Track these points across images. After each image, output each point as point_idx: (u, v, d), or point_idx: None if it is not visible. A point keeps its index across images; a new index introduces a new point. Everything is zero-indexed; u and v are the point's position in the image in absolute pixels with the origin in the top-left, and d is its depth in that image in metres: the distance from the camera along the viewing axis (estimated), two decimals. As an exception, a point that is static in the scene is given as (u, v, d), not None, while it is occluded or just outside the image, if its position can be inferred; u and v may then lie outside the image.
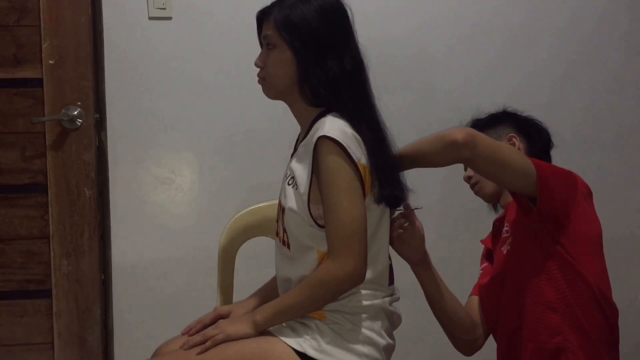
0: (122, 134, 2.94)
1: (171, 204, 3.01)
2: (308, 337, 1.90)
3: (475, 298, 2.29)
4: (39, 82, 2.85)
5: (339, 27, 1.95)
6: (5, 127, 2.86)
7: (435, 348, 2.97)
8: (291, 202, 1.93)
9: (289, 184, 1.95)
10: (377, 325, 1.94)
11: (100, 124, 2.95)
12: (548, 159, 2.30)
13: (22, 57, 2.85)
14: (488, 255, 2.34)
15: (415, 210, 2.08)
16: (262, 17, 2.00)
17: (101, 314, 2.94)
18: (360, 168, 1.86)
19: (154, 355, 2.10)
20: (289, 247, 1.97)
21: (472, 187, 2.31)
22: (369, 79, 1.98)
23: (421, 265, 2.14)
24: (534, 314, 2.07)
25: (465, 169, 2.34)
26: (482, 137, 1.95)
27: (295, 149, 2.04)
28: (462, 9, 3.14)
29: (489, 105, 2.40)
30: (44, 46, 2.84)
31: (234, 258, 2.48)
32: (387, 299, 1.98)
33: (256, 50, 2.03)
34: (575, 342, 2.03)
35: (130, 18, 2.93)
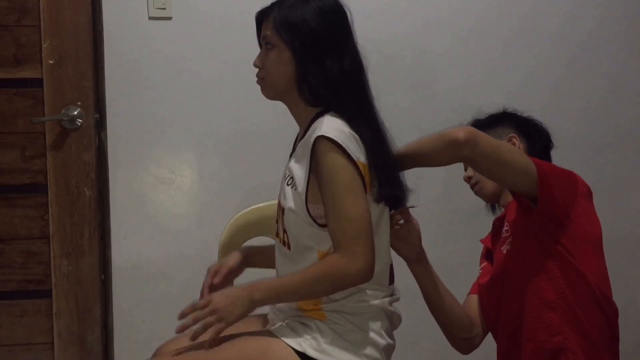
0: (122, 134, 2.94)
1: (171, 204, 3.01)
2: (308, 337, 1.90)
3: (474, 297, 2.29)
4: (39, 82, 2.85)
5: (338, 28, 1.95)
6: (5, 127, 2.86)
7: (435, 348, 2.97)
8: (290, 202, 1.93)
9: (287, 184, 1.95)
10: (377, 325, 1.94)
11: (100, 124, 2.95)
12: (548, 159, 2.30)
13: (22, 57, 2.85)
14: (487, 255, 2.34)
15: (409, 209, 2.08)
16: (262, 17, 2.00)
17: (101, 314, 2.94)
18: (360, 166, 1.86)
19: (154, 355, 2.10)
20: (289, 248, 1.97)
21: (472, 187, 2.31)
22: (368, 79, 1.98)
23: (418, 262, 2.14)
24: (533, 314, 2.07)
25: (466, 169, 2.34)
26: (483, 136, 1.95)
27: (294, 149, 2.04)
28: (462, 9, 3.14)
29: (489, 106, 2.40)
30: (44, 46, 2.84)
31: (234, 258, 2.47)
32: (387, 299, 1.98)
33: (256, 50, 2.03)
34: (575, 341, 2.03)
35: (130, 18, 2.93)
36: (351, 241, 1.83)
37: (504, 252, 2.19)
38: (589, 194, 2.13)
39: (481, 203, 2.38)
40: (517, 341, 2.11)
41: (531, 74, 3.19)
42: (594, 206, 2.14)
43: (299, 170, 1.92)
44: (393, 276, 2.04)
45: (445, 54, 3.14)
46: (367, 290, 1.93)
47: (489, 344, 2.29)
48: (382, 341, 1.94)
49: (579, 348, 2.03)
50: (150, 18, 2.94)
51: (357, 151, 1.87)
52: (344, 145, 1.84)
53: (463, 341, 2.26)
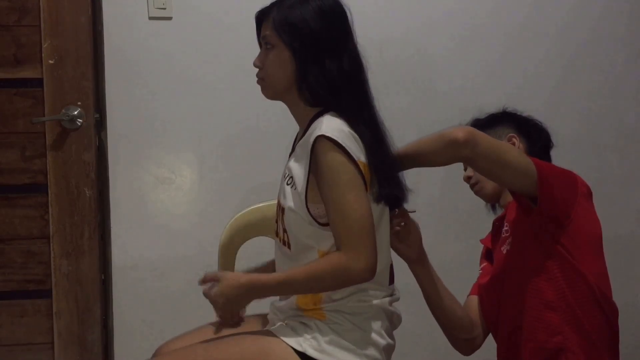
0: (122, 134, 2.94)
1: (171, 204, 3.01)
2: (308, 337, 1.90)
3: (474, 297, 2.29)
4: (39, 82, 2.85)
5: (338, 28, 1.95)
6: (5, 127, 2.86)
7: (435, 348, 2.98)
8: (290, 201, 1.93)
9: (287, 184, 1.95)
10: (377, 325, 1.94)
11: (100, 124, 2.95)
12: (548, 159, 2.30)
13: (22, 57, 2.85)
14: (487, 255, 2.34)
15: (409, 214, 2.09)
16: (261, 17, 2.00)
17: (101, 314, 2.94)
18: (360, 165, 1.86)
19: (154, 355, 2.09)
20: (289, 247, 1.97)
21: (472, 187, 2.31)
22: (367, 79, 1.98)
23: (418, 263, 2.14)
24: (533, 314, 2.07)
25: (465, 169, 2.34)
26: (482, 136, 1.95)
27: (293, 149, 2.04)
28: (462, 9, 3.14)
29: (489, 106, 2.40)
30: (44, 46, 2.84)
31: (234, 258, 2.48)
32: (387, 299, 1.98)
33: (256, 50, 2.03)
34: (575, 341, 2.03)
35: (130, 18, 2.93)
36: (354, 240, 1.83)
37: (504, 252, 2.19)
38: (589, 194, 2.13)
39: (481, 203, 2.38)
40: (517, 341, 2.11)
41: (531, 74, 3.19)
42: (594, 206, 2.14)
43: (299, 170, 1.92)
44: (393, 276, 2.04)
45: (445, 54, 3.14)
46: (368, 290, 1.93)
47: (489, 344, 2.29)
48: (382, 341, 1.95)
49: (579, 348, 2.03)
50: (150, 18, 2.94)
51: (357, 150, 1.87)
52: (344, 145, 1.84)
53: (464, 342, 2.26)
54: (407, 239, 2.10)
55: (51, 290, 2.89)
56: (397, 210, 2.05)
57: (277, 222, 2.03)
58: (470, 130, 1.95)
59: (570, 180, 2.08)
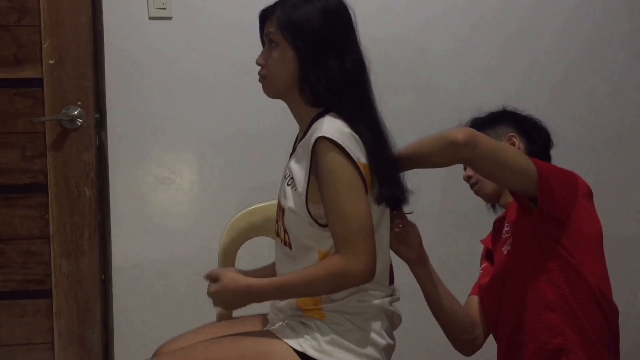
0: (122, 134, 2.94)
1: (171, 204, 3.01)
2: (308, 337, 1.90)
3: (475, 298, 2.29)
4: (39, 82, 2.85)
5: (341, 28, 1.95)
6: (5, 127, 2.86)
7: (435, 348, 2.97)
8: (290, 202, 1.93)
9: (288, 185, 1.95)
10: (378, 325, 1.94)
11: (100, 124, 2.95)
12: (548, 158, 2.30)
13: (22, 57, 2.85)
14: (488, 255, 2.34)
15: (407, 215, 2.09)
16: (265, 15, 2.00)
17: (101, 314, 2.94)
18: (360, 166, 1.86)
19: (155, 355, 2.10)
20: (290, 247, 1.97)
21: (472, 186, 2.31)
22: (370, 80, 1.98)
23: (419, 264, 2.14)
24: (534, 314, 2.06)
25: (465, 169, 2.33)
26: (482, 138, 1.95)
27: (294, 149, 2.04)
28: (462, 9, 3.14)
29: (489, 105, 2.40)
30: (44, 46, 2.84)
31: (235, 258, 2.47)
32: (387, 299, 1.98)
33: (256, 50, 2.03)
34: (575, 342, 2.03)
35: (130, 18, 2.93)
36: (353, 241, 1.83)
37: (505, 252, 2.19)
38: (589, 194, 2.13)
39: (481, 203, 2.37)
40: (517, 342, 2.11)
41: (531, 74, 3.19)
42: (595, 206, 2.14)
43: (299, 171, 1.92)
44: (393, 276, 2.04)
45: (445, 54, 3.14)
46: (368, 290, 1.93)
47: (489, 344, 2.29)
48: (382, 341, 1.95)
49: (580, 349, 2.03)
50: (150, 18, 2.94)
51: (358, 152, 1.87)
52: (344, 146, 1.84)
53: (465, 342, 2.26)
54: (406, 240, 2.10)
55: (51, 290, 2.89)
56: (395, 212, 2.06)
57: (277, 222, 2.03)
58: (470, 132, 1.94)
59: (570, 180, 2.08)
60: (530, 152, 2.22)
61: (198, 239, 2.97)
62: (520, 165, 1.98)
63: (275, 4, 1.98)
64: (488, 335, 2.28)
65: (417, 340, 3.05)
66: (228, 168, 3.02)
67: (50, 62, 2.84)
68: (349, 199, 1.84)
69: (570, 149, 2.85)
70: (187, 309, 2.91)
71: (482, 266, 2.34)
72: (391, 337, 2.00)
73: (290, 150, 2.07)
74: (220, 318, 2.30)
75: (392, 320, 2.01)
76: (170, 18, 2.95)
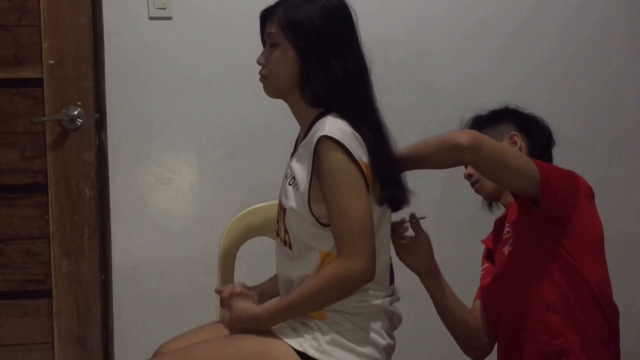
0: (122, 134, 2.94)
1: (171, 204, 3.01)
2: (308, 337, 1.90)
3: (480, 302, 2.27)
4: (39, 82, 2.85)
5: (343, 28, 1.95)
6: (5, 127, 2.86)
7: (436, 348, 2.98)
8: (292, 202, 1.93)
9: (289, 184, 1.95)
10: (378, 325, 1.94)
11: (100, 124, 2.95)
12: (549, 157, 2.29)
13: (22, 57, 2.85)
14: (489, 256, 2.33)
15: (420, 220, 2.08)
16: (266, 15, 2.00)
17: (101, 314, 2.94)
18: (362, 166, 1.86)
19: (154, 355, 2.10)
20: (290, 247, 1.97)
21: (473, 184, 2.29)
22: (371, 80, 1.98)
23: (429, 276, 2.13)
24: (535, 316, 2.06)
25: (466, 167, 2.33)
26: (486, 141, 1.95)
27: (295, 149, 2.04)
28: (462, 9, 3.14)
29: (489, 105, 2.39)
30: (44, 46, 2.84)
31: (235, 258, 2.48)
32: (388, 299, 1.98)
33: (256, 50, 2.03)
34: (576, 343, 2.02)
35: (130, 18, 2.92)
36: (352, 242, 1.83)
37: (506, 253, 2.18)
38: (591, 195, 2.12)
39: (481, 204, 2.37)
40: (517, 342, 2.10)
41: (532, 74, 3.19)
42: (596, 206, 2.14)
43: (301, 170, 1.92)
44: (393, 276, 2.04)
45: (445, 53, 3.14)
46: (368, 291, 1.93)
47: (489, 345, 2.28)
48: (383, 341, 1.94)
49: (581, 350, 2.02)
50: (150, 18, 2.93)
51: (360, 151, 1.87)
52: (346, 145, 1.84)
53: (478, 349, 2.24)
54: (417, 251, 2.09)
55: (51, 290, 2.89)
56: (408, 220, 2.04)
57: (278, 222, 2.03)
58: (474, 135, 1.94)
59: (572, 181, 2.08)
60: (531, 151, 2.22)
61: (198, 239, 2.97)
62: (523, 167, 1.98)
63: (277, 3, 1.98)
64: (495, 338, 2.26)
65: (417, 341, 3.05)
66: (228, 168, 3.02)
67: (50, 62, 2.84)
68: (351, 198, 1.84)
69: (570, 149, 2.85)
70: (187, 309, 2.91)
71: (484, 267, 2.33)
72: (391, 337, 2.00)
73: (291, 151, 2.07)
74: (223, 318, 2.29)
75: (393, 321, 2.01)
76: (170, 18, 2.95)
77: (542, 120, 2.33)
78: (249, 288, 2.12)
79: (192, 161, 3.03)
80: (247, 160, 3.02)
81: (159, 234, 2.98)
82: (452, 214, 3.16)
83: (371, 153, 1.89)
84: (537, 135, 2.28)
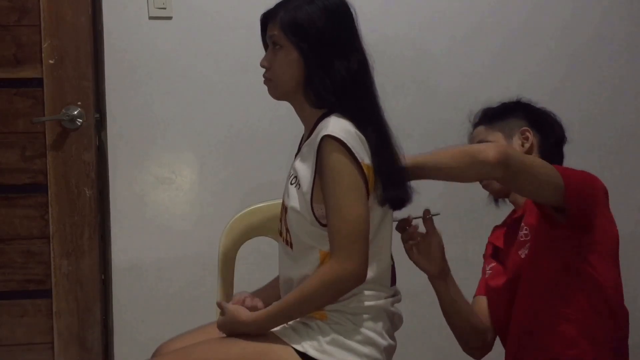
0: (122, 134, 2.94)
1: (171, 204, 3.01)
2: (309, 337, 1.90)
3: (483, 299, 2.24)
4: (39, 82, 2.85)
5: (344, 27, 1.95)
6: (5, 127, 2.86)
7: (436, 349, 2.98)
8: (294, 201, 1.93)
9: (291, 184, 1.95)
10: (379, 326, 1.94)
11: (100, 124, 2.95)
12: (560, 154, 2.24)
13: (22, 57, 2.85)
14: (495, 254, 2.27)
15: (432, 217, 2.06)
16: (267, 18, 1.99)
17: (101, 314, 2.94)
18: (364, 167, 1.86)
19: (154, 355, 2.10)
20: (291, 247, 1.97)
21: (480, 181, 2.22)
22: (374, 80, 1.98)
23: (440, 278, 2.09)
24: (548, 325, 2.01)
25: None
26: (513, 155, 1.90)
27: (299, 149, 2.04)
28: (462, 9, 3.14)
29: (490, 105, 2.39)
30: (44, 46, 2.84)
31: (235, 258, 2.47)
32: (389, 299, 1.98)
33: (256, 49, 2.03)
34: (590, 354, 1.98)
35: (130, 18, 2.92)
36: (343, 245, 1.83)
37: (522, 256, 2.11)
38: (606, 195, 2.07)
39: (483, 203, 2.36)
40: (527, 350, 2.06)
41: (532, 74, 3.19)
42: (610, 207, 2.09)
43: (305, 170, 1.92)
44: (395, 277, 2.04)
45: (445, 53, 3.14)
46: (369, 291, 1.93)
47: (494, 347, 2.26)
48: (383, 342, 1.94)
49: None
50: (150, 18, 2.93)
51: (363, 152, 1.87)
52: (349, 145, 1.84)
53: (477, 349, 2.21)
54: (428, 251, 2.06)
55: (51, 290, 2.89)
56: (422, 216, 2.03)
57: (280, 221, 2.03)
58: (501, 150, 1.88)
59: (591, 184, 2.02)
60: (542, 148, 2.17)
61: (198, 239, 2.97)
62: (549, 179, 1.92)
63: (277, 6, 1.98)
64: (496, 335, 2.22)
65: (418, 341, 3.05)
66: (228, 168, 3.02)
67: (50, 62, 2.84)
68: (348, 199, 1.84)
69: (570, 149, 2.84)
70: (187, 309, 2.91)
71: (490, 265, 2.26)
72: (392, 337, 1.99)
73: (291, 150, 2.07)
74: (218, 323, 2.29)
75: (393, 321, 2.01)
76: (170, 18, 2.95)
77: (555, 115, 2.26)
78: (254, 293, 2.13)
79: (192, 161, 3.03)
80: (247, 160, 3.02)
81: (159, 234, 2.98)
82: (452, 215, 3.14)
83: (374, 153, 1.89)
84: (548, 132, 2.22)
